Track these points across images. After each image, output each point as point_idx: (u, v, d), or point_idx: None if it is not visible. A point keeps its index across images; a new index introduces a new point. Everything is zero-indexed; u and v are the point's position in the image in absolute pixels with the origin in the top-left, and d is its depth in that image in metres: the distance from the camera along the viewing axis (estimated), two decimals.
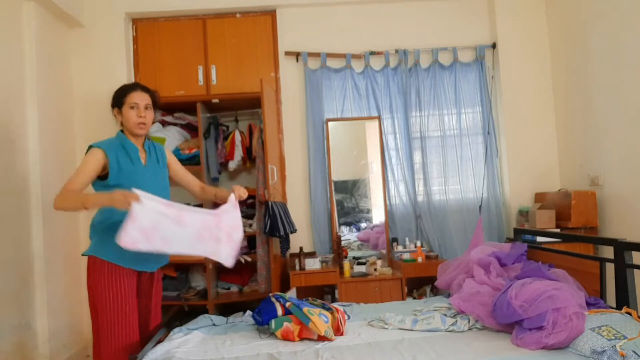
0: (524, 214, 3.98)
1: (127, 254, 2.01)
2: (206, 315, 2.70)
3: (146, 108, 2.25)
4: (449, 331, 2.35)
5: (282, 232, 3.56)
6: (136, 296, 2.22)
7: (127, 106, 2.21)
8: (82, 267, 3.90)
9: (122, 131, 2.28)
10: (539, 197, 4.05)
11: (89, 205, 2.02)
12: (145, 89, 2.30)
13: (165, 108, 4.29)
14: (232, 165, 4.12)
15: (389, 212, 4.14)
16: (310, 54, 4.17)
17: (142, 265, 2.22)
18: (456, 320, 2.39)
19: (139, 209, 1.91)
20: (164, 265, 2.36)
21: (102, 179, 2.18)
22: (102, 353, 2.10)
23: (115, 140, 2.24)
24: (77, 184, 2.07)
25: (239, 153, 4.11)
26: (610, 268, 2.33)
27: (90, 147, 2.18)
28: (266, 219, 3.54)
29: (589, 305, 2.22)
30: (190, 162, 4.06)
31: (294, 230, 3.75)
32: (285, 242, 3.76)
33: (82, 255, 2.19)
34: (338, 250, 3.93)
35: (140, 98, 2.24)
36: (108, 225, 2.12)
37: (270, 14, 4.16)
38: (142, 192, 1.95)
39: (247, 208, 4.18)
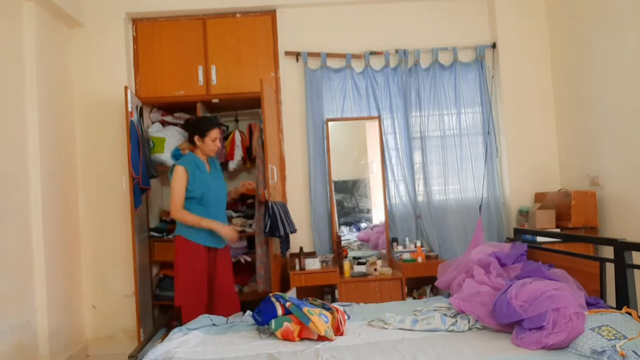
0: (524, 214, 3.98)
1: (203, 237, 3.01)
2: (206, 315, 2.70)
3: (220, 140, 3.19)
4: (449, 331, 2.35)
5: (282, 232, 3.55)
6: (207, 266, 3.06)
7: (209, 138, 3.09)
8: (83, 266, 3.92)
9: (192, 151, 3.15)
10: (539, 197, 4.05)
11: (202, 227, 2.99)
12: (220, 125, 3.13)
13: (165, 108, 4.30)
14: (232, 165, 4.12)
15: (389, 212, 4.14)
16: (310, 54, 4.17)
17: (213, 243, 3.09)
18: (456, 320, 2.39)
19: None
20: (226, 245, 3.21)
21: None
22: (181, 298, 2.99)
23: (190, 159, 3.10)
24: (180, 199, 2.99)
25: (239, 153, 4.11)
26: (610, 268, 2.33)
27: (174, 165, 3.03)
28: (266, 219, 3.54)
29: (589, 305, 2.22)
30: None
31: (294, 230, 3.75)
32: (285, 242, 3.76)
33: (173, 235, 3.14)
34: (338, 250, 3.93)
35: (220, 133, 3.15)
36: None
37: (270, 14, 4.16)
38: None
39: (247, 208, 4.18)
